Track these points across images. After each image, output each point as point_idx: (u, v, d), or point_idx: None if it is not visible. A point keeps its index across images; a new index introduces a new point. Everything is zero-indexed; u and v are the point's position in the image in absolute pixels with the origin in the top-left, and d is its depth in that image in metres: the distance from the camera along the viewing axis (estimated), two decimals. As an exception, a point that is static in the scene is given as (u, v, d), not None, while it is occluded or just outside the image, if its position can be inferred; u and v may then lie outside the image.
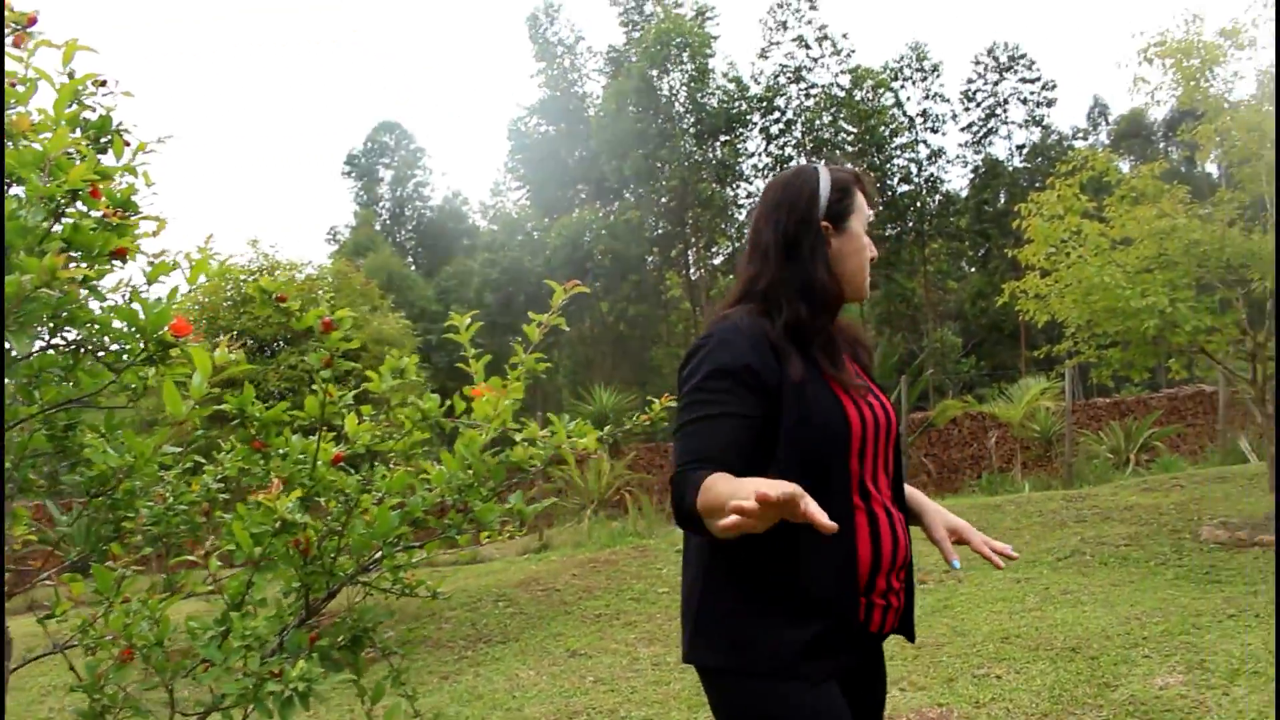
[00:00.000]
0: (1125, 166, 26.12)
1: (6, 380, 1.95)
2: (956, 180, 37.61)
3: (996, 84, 39.82)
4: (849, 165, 2.19)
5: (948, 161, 37.60)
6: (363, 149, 49.56)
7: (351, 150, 49.66)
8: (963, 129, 38.96)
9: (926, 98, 37.33)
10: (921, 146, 36.89)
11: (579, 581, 9.37)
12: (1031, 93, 40.02)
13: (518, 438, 2.31)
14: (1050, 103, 39.93)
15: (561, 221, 35.14)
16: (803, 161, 35.78)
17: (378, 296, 13.44)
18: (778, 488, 1.43)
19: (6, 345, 1.75)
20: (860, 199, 2.09)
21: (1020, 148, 39.48)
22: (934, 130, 37.25)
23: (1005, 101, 39.77)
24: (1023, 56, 40.53)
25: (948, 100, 38.01)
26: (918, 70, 37.04)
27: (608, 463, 14.83)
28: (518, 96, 61.59)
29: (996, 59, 40.09)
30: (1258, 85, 8.85)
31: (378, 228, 46.50)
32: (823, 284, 2.00)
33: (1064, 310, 8.59)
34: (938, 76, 37.13)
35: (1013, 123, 39.70)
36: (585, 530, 12.95)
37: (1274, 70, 3.76)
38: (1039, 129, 39.72)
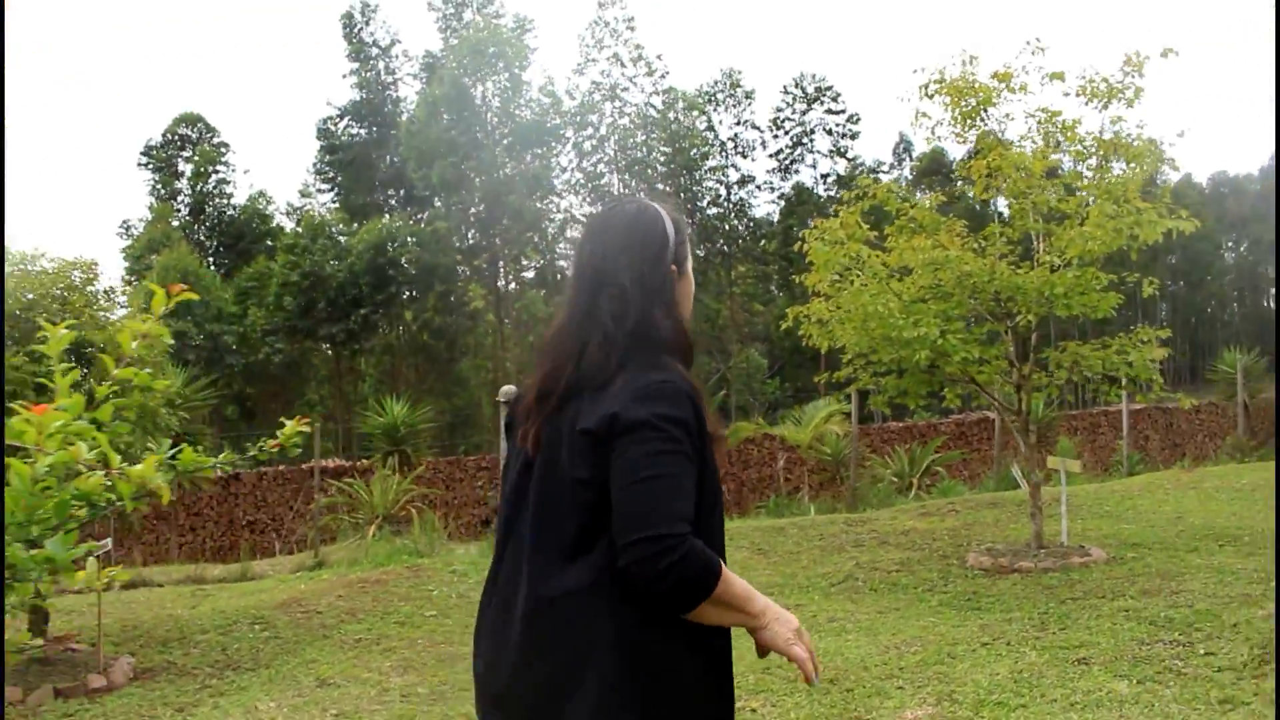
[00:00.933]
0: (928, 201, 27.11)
1: None
2: (765, 206, 38.69)
3: (804, 114, 41.16)
4: (667, 202, 2.15)
5: (756, 187, 38.50)
6: (161, 140, 47.00)
7: (150, 141, 47.05)
8: (771, 155, 40.14)
9: (738, 123, 38.17)
10: (731, 171, 37.67)
11: (344, 603, 8.85)
12: (837, 124, 41.55)
13: (83, 468, 1.93)
14: (854, 135, 41.55)
15: (367, 227, 34.14)
16: (615, 181, 36.58)
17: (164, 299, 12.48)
18: (803, 634, 1.90)
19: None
20: (686, 236, 2.10)
21: (825, 176, 40.86)
22: (744, 155, 38.14)
23: (812, 131, 41.12)
24: (829, 89, 41.98)
25: (758, 127, 38.97)
26: (730, 96, 37.81)
27: (395, 476, 14.26)
28: (329, 96, 59.54)
29: (804, 90, 41.42)
30: (1028, 128, 9.17)
31: (175, 224, 44.12)
32: (684, 327, 2.01)
33: (845, 336, 8.64)
34: (750, 103, 38.02)
35: (818, 152, 41.13)
36: (364, 547, 12.36)
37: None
38: (844, 160, 41.24)
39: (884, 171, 45.89)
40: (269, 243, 44.24)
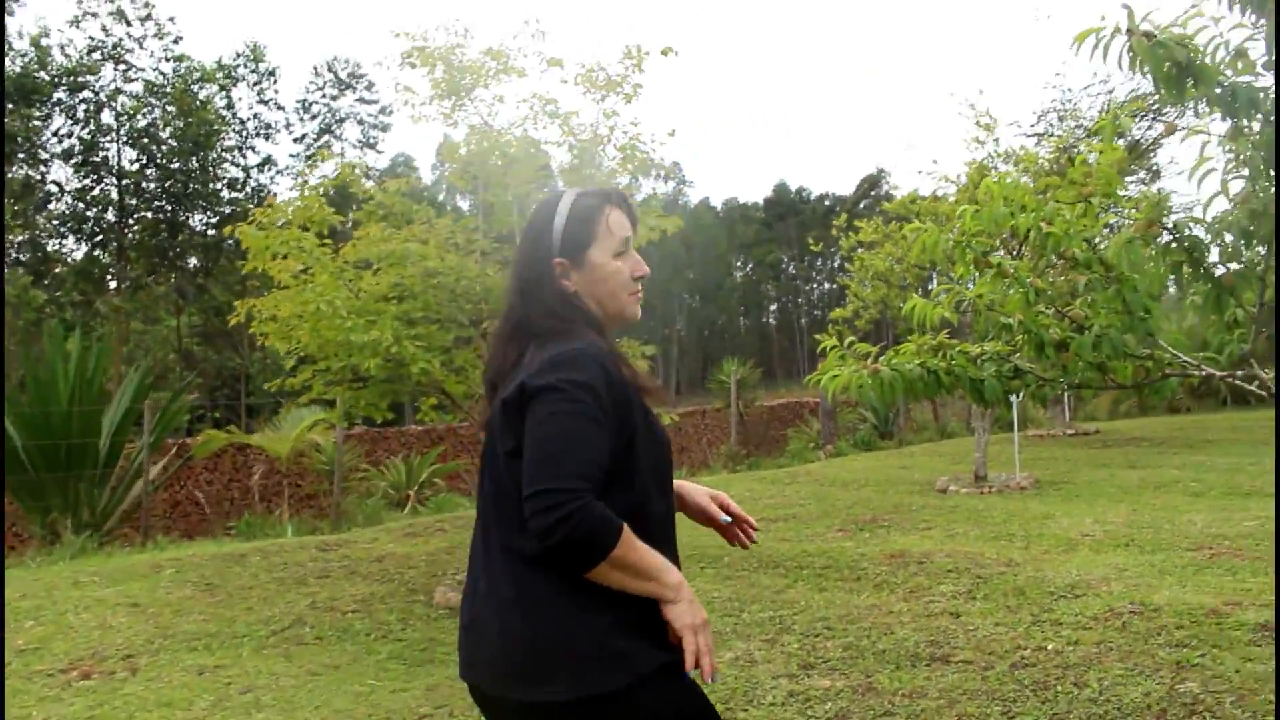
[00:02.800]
0: (394, 186, 26.19)
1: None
2: (290, 194, 35.94)
3: (335, 99, 39.04)
4: (606, 189, 2.22)
5: (279, 172, 35.75)
6: None
7: None
8: (296, 140, 37.60)
9: (260, 102, 35.26)
10: (251, 153, 34.71)
11: None
12: (370, 114, 39.86)
13: None
14: (385, 127, 40.01)
15: None
16: (115, 153, 32.34)
17: None
18: (707, 629, 1.91)
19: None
20: (606, 224, 2.11)
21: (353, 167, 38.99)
22: (265, 138, 35.30)
23: (343, 119, 39.12)
24: (363, 76, 40.23)
25: (283, 108, 36.27)
26: (252, 72, 34.85)
27: None
28: None
29: (336, 74, 39.34)
30: (528, 115, 8.36)
31: None
32: (564, 312, 2.04)
33: (300, 337, 7.27)
34: (274, 81, 35.24)
35: (347, 140, 39.18)
36: None
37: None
38: (374, 152, 39.62)
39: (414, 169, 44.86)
40: None
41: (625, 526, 1.81)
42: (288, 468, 14.03)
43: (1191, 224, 3.34)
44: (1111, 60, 2.99)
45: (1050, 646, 5.66)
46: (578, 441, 1.80)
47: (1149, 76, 2.94)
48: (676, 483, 2.23)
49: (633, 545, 1.82)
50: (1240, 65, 3.16)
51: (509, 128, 8.23)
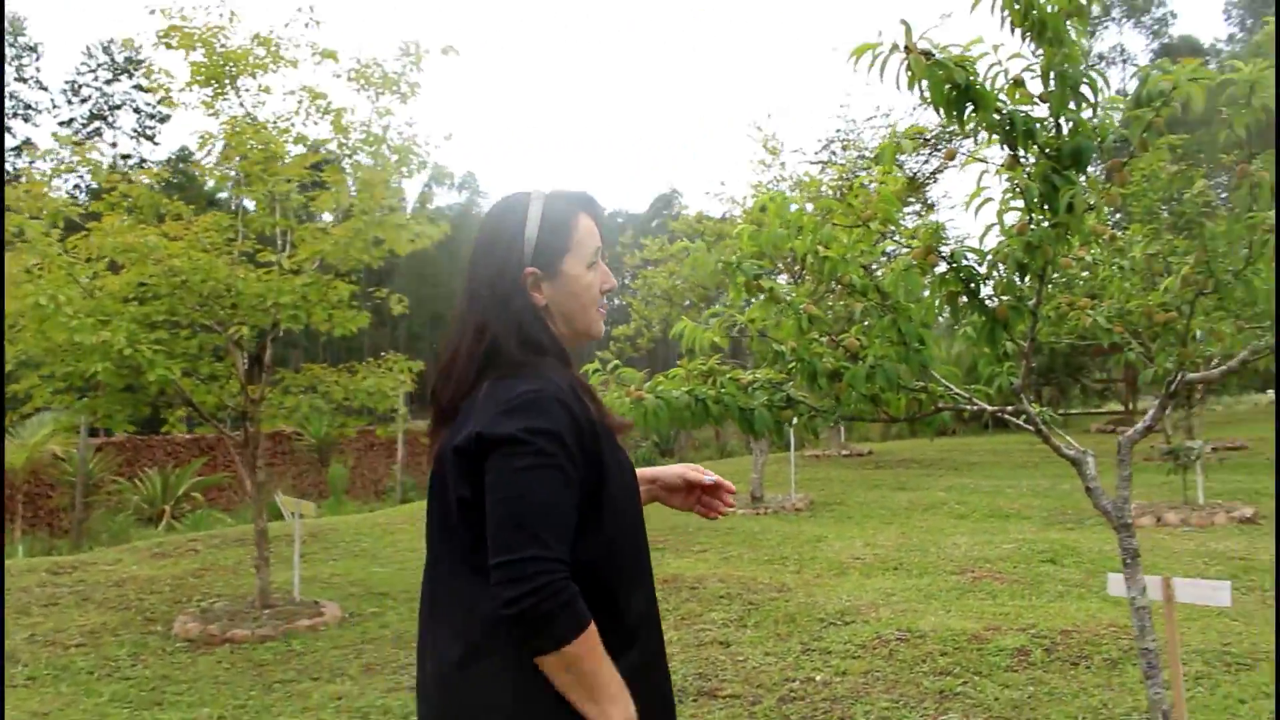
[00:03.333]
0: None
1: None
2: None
3: (109, 84, 36.41)
4: (576, 191, 1.99)
5: (38, 157, 33.06)
6: None
7: None
8: (62, 123, 34.84)
9: (20, 79, 32.53)
10: (7, 134, 31.99)
11: None
12: (148, 103, 37.41)
13: None
14: (164, 118, 37.62)
15: None
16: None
17: None
18: None
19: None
20: (582, 232, 1.94)
21: (126, 158, 36.44)
22: (25, 120, 32.59)
23: (118, 106, 36.56)
24: (142, 62, 37.71)
25: (47, 89, 33.57)
26: (11, 46, 32.14)
27: None
28: None
29: (112, 57, 36.71)
30: (290, 107, 7.81)
31: None
32: (530, 332, 1.85)
33: (26, 338, 6.46)
34: (35, 57, 32.58)
35: (120, 129, 36.61)
36: None
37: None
38: (150, 143, 37.19)
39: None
40: None
41: (592, 628, 1.66)
42: (24, 480, 12.73)
43: (968, 253, 3.24)
44: (890, 78, 2.84)
45: (819, 678, 5.57)
46: (546, 502, 1.66)
47: (928, 99, 2.80)
48: (647, 470, 2.16)
49: (592, 652, 1.66)
50: (1018, 95, 3.08)
51: (275, 121, 7.66)
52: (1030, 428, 3.75)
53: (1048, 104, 3.06)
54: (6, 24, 30.96)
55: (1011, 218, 3.23)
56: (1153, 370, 3.93)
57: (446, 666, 1.75)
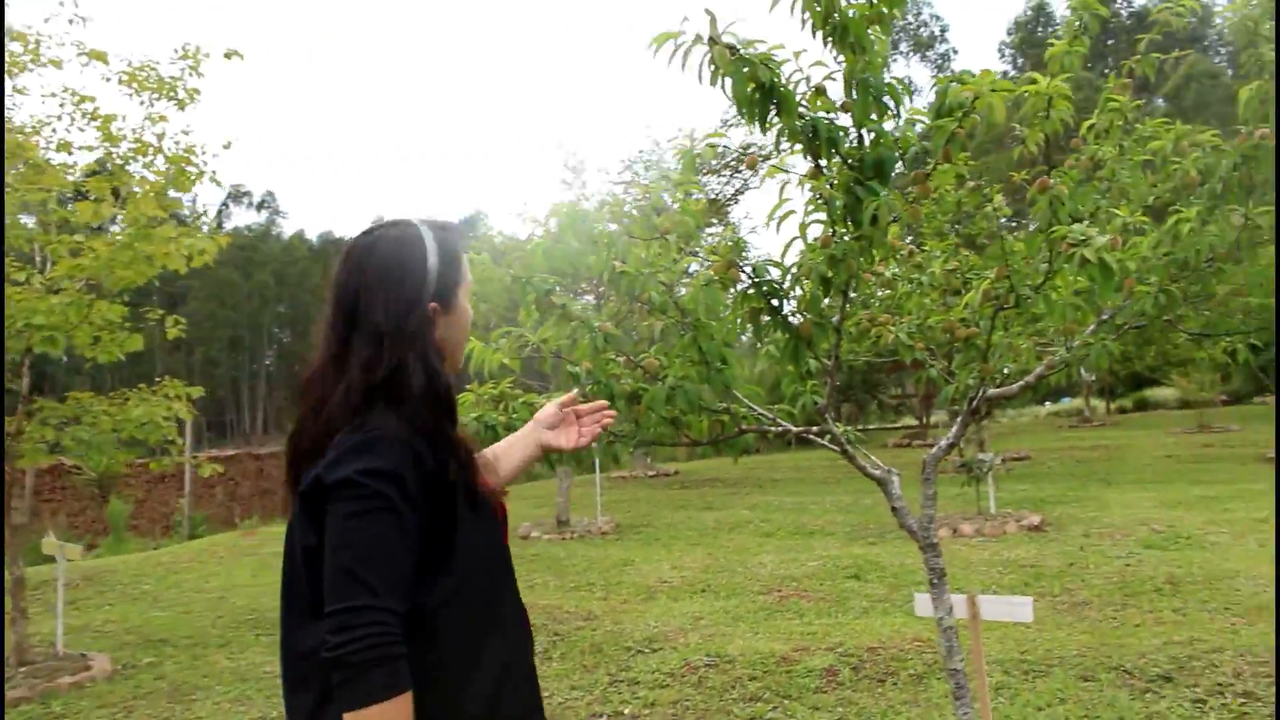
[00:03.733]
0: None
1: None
2: None
3: None
4: (451, 221, 1.94)
5: None
6: None
7: None
8: None
9: None
10: None
11: None
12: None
13: None
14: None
15: None
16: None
17: None
18: None
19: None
20: (465, 261, 1.90)
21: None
22: None
23: None
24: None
25: None
26: None
27: None
28: None
29: None
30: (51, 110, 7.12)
31: None
32: (442, 378, 1.77)
33: None
34: None
35: None
36: None
37: (1275, 66, 2.24)
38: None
39: None
40: None
41: (406, 697, 1.54)
42: None
43: (770, 268, 3.08)
44: (693, 72, 2.65)
45: (627, 710, 5.35)
46: (378, 549, 1.57)
47: (731, 98, 2.62)
48: (522, 430, 2.20)
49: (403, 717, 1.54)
50: (820, 103, 2.95)
51: (34, 125, 6.97)
52: (835, 448, 3.63)
53: (850, 113, 2.94)
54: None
55: (815, 231, 3.09)
56: (954, 386, 3.89)
57: (303, 717, 1.68)
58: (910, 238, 5.23)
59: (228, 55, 7.45)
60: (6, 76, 6.91)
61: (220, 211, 77.53)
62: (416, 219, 1.89)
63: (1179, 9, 3.72)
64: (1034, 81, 2.87)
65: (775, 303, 3.09)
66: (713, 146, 2.88)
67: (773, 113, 2.69)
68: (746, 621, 7.11)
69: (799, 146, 2.85)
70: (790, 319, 3.13)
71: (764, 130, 2.74)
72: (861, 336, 4.45)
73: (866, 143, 2.96)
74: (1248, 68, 3.65)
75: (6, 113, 6.91)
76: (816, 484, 16.03)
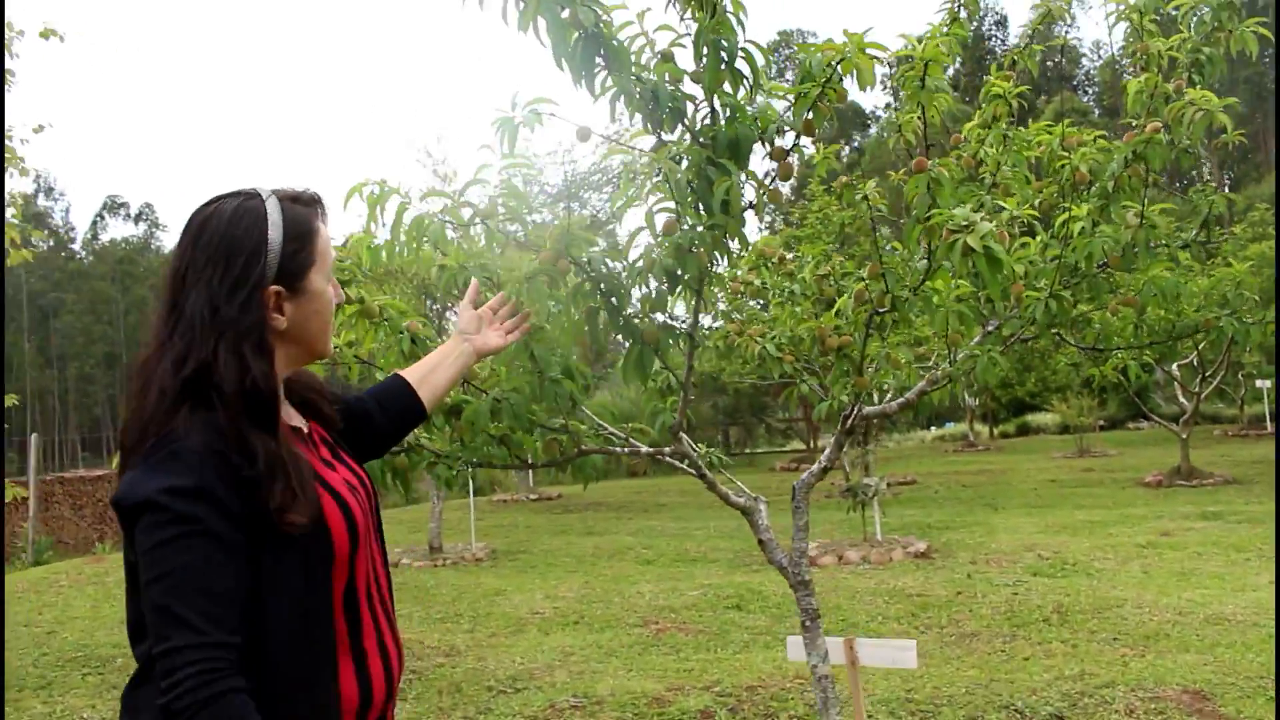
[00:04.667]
0: None
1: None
2: None
3: None
4: (308, 190, 1.68)
5: None
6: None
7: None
8: None
9: None
10: None
11: None
12: None
13: None
14: None
15: None
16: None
17: None
18: None
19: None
20: (323, 240, 1.66)
21: None
22: None
23: None
24: None
25: None
26: None
27: None
28: None
29: None
30: None
31: None
32: (256, 376, 1.51)
33: None
34: None
35: None
36: None
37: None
38: None
39: None
40: None
41: None
42: None
43: (609, 260, 2.63)
44: (513, 28, 2.19)
45: (479, 760, 4.84)
46: (190, 581, 1.38)
47: (546, 45, 2.17)
48: (440, 351, 2.13)
49: None
50: (668, 74, 2.52)
51: None
52: (693, 471, 3.21)
53: (701, 84, 2.52)
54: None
55: (664, 219, 2.66)
56: (828, 404, 3.49)
57: None
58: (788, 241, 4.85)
59: (44, 35, 6.79)
60: None
61: (95, 223, 74.51)
62: (266, 188, 1.64)
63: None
64: (912, 47, 2.49)
65: (614, 301, 2.64)
66: (537, 114, 2.42)
67: (602, 70, 2.25)
68: (619, 657, 6.65)
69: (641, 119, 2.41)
70: (634, 321, 2.69)
71: (593, 94, 2.30)
72: (730, 350, 4.03)
73: (722, 119, 2.56)
74: (1137, 60, 3.34)
75: None
76: (701, 508, 15.66)
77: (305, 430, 1.72)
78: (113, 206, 76.20)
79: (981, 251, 2.19)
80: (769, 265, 4.34)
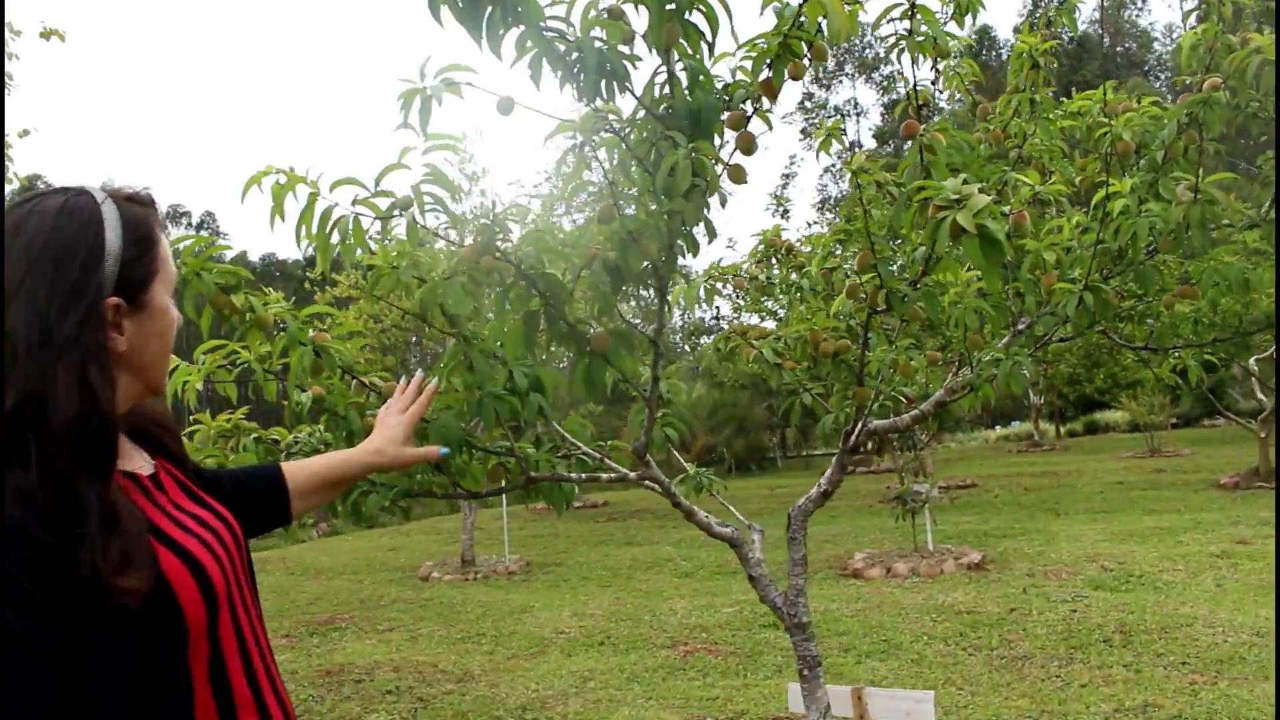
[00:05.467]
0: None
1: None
2: None
3: None
4: (145, 189, 1.38)
5: None
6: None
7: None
8: None
9: None
10: None
11: None
12: None
13: None
14: None
15: None
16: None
17: None
18: None
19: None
20: (164, 249, 1.36)
21: None
22: None
23: None
24: None
25: None
26: None
27: None
28: None
29: None
30: None
31: None
32: (104, 407, 1.19)
33: None
34: None
35: None
36: None
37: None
38: None
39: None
40: None
41: None
42: None
43: (545, 257, 2.20)
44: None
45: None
46: (10, 701, 1.06)
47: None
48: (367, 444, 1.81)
49: None
50: (610, 35, 2.09)
51: None
52: (661, 491, 2.78)
53: (653, 46, 2.09)
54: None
55: (601, 206, 2.23)
56: (833, 416, 3.03)
57: None
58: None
59: (45, 35, 6.54)
60: None
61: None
62: (94, 186, 1.33)
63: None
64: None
65: (554, 305, 2.22)
66: (453, 82, 2.01)
67: (497, 16, 1.82)
68: (642, 683, 6.22)
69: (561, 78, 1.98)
70: (579, 327, 2.27)
71: (497, 53, 1.87)
72: (732, 354, 3.57)
73: (682, 86, 2.12)
74: (1198, 9, 2.84)
75: None
76: (749, 514, 15.12)
77: (151, 472, 1.36)
78: (175, 215, 77.43)
79: (974, 231, 1.72)
80: (779, 256, 3.89)
